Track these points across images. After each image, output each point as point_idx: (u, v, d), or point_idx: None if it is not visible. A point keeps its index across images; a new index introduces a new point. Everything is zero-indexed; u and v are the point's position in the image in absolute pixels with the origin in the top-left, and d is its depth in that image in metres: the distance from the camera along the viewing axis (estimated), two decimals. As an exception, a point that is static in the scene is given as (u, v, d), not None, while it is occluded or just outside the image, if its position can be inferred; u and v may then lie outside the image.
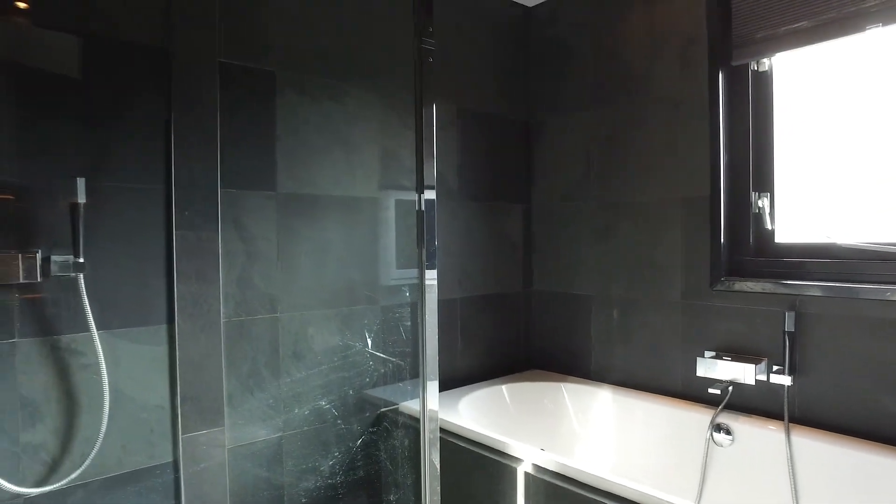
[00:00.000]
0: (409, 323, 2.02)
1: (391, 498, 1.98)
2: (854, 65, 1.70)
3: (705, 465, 1.81)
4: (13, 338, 1.31)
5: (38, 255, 1.29)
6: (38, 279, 1.30)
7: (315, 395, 1.82)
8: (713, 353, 1.86)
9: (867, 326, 1.58)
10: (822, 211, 1.78)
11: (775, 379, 1.71)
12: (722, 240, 1.88)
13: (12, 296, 1.31)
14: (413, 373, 2.03)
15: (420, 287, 1.32)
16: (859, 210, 1.71)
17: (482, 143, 2.33)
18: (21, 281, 1.27)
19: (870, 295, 1.55)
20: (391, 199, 2.01)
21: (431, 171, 1.32)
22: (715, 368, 1.80)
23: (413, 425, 1.94)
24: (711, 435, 1.81)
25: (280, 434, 1.74)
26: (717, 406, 1.82)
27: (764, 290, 1.75)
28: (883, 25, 1.54)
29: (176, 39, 1.52)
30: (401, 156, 2.03)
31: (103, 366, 1.37)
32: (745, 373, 1.72)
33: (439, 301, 1.86)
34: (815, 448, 1.60)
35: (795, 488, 1.63)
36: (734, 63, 1.85)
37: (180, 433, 1.52)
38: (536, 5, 2.46)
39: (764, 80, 1.85)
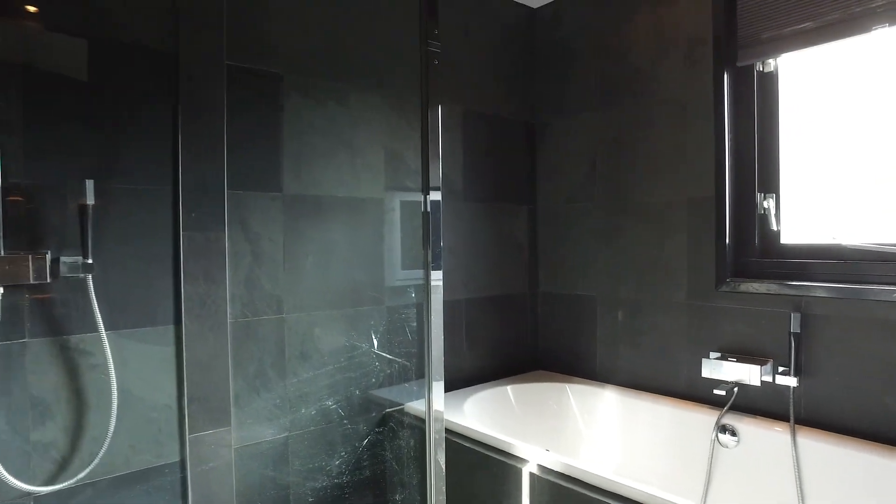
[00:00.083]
0: (414, 324, 2.03)
1: (397, 498, 1.98)
2: (860, 65, 1.70)
3: (710, 466, 1.81)
4: (24, 338, 1.32)
5: (48, 257, 1.31)
6: (48, 280, 1.31)
7: (321, 396, 1.82)
8: (718, 355, 1.86)
9: (873, 327, 1.58)
10: (828, 212, 1.78)
11: (781, 380, 1.70)
12: (727, 241, 1.87)
13: (23, 296, 1.32)
14: (419, 373, 2.03)
15: (426, 288, 1.33)
16: (865, 211, 1.71)
17: (487, 144, 2.34)
18: (31, 282, 1.28)
19: (876, 296, 1.55)
20: (396, 201, 2.02)
21: (437, 172, 1.33)
22: (720, 369, 1.79)
23: (419, 425, 1.95)
24: (717, 436, 1.80)
25: (286, 434, 1.75)
26: (723, 407, 1.82)
27: (769, 291, 1.75)
28: (889, 26, 1.54)
29: (183, 42, 1.53)
30: (406, 157, 2.03)
31: (111, 366, 1.38)
32: (750, 374, 1.72)
33: (444, 302, 1.86)
34: (821, 450, 1.60)
35: (801, 490, 1.62)
36: (739, 64, 1.85)
37: (187, 433, 1.53)
38: (541, 7, 2.46)
39: (769, 80, 1.84)
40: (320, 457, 1.82)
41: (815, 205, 1.80)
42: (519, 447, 1.61)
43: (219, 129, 1.59)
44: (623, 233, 2.18)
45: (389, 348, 1.98)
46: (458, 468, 1.76)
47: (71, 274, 1.35)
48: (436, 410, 1.36)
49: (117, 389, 1.40)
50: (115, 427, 1.41)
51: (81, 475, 1.36)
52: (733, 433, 1.78)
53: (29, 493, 1.32)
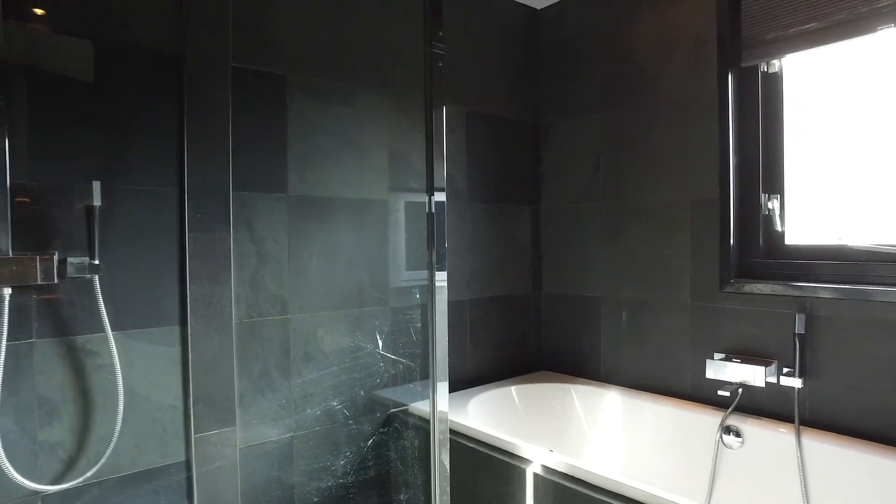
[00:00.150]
0: (419, 324, 2.03)
1: (401, 498, 1.99)
2: (865, 66, 1.70)
3: (715, 467, 1.81)
4: (31, 338, 1.33)
5: (55, 257, 1.31)
6: (55, 280, 1.32)
7: (326, 396, 1.83)
8: (723, 355, 1.86)
9: (879, 328, 1.58)
10: (833, 212, 1.78)
11: (785, 381, 1.70)
12: (731, 241, 1.87)
13: (30, 297, 1.33)
14: (423, 374, 2.04)
15: (430, 288, 1.33)
16: (870, 211, 1.70)
17: (491, 145, 2.34)
18: (39, 282, 1.29)
19: (881, 297, 1.54)
20: (401, 202, 2.02)
21: (441, 173, 1.33)
22: (724, 370, 1.79)
23: (423, 426, 1.95)
24: (721, 437, 1.80)
25: (291, 434, 1.76)
26: (727, 408, 1.82)
27: (774, 291, 1.75)
28: (894, 26, 1.53)
29: (188, 44, 1.54)
30: (410, 158, 2.04)
31: (118, 366, 1.39)
32: (754, 375, 1.72)
33: (448, 303, 1.87)
34: (825, 451, 1.59)
35: (806, 492, 1.62)
36: (744, 64, 1.85)
37: (193, 433, 1.54)
38: (545, 7, 2.46)
39: (774, 81, 1.84)
40: (325, 457, 1.82)
41: (821, 206, 1.80)
42: (523, 448, 1.61)
43: (224, 130, 1.60)
44: (627, 233, 2.18)
45: (394, 349, 1.98)
46: (462, 468, 1.77)
47: (78, 275, 1.36)
48: (440, 411, 1.37)
49: (123, 389, 1.40)
50: (122, 427, 1.42)
51: (88, 474, 1.37)
52: (738, 434, 1.78)
53: (36, 492, 1.33)
